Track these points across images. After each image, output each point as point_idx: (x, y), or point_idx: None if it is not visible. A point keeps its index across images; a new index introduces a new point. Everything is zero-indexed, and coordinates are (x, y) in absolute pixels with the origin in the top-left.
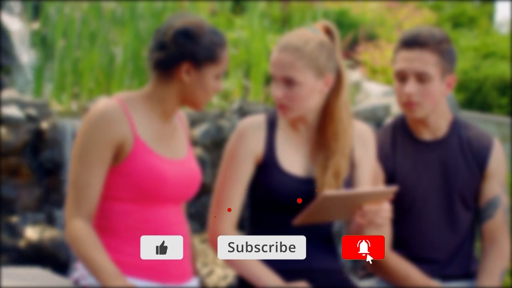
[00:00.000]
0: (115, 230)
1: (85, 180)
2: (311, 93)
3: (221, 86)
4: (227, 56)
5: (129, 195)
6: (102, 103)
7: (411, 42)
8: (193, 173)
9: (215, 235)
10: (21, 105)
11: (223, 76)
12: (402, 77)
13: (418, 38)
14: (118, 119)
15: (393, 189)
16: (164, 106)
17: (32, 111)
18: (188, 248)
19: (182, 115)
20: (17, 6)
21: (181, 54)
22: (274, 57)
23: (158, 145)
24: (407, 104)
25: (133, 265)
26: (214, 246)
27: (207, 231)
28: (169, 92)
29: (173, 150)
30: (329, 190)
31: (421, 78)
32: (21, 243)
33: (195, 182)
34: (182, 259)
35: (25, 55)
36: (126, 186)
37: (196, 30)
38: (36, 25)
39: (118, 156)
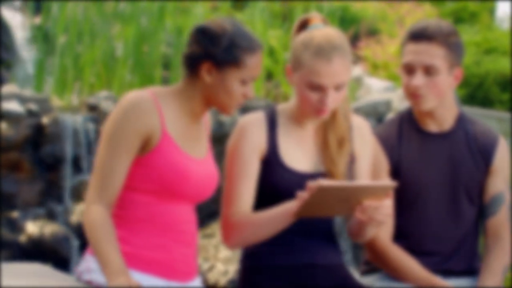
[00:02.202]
0: (128, 221)
1: (111, 166)
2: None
3: (251, 92)
4: (255, 62)
5: (149, 187)
6: (135, 93)
7: (419, 35)
8: (212, 174)
9: (234, 235)
10: (22, 100)
11: (252, 81)
12: (409, 69)
13: (426, 31)
14: (149, 110)
15: (392, 184)
16: (191, 104)
17: (33, 106)
18: (195, 247)
19: (206, 114)
20: (18, 1)
21: (200, 53)
22: (315, 63)
23: (184, 142)
24: (414, 96)
25: (140, 258)
26: (233, 244)
27: (222, 234)
28: (195, 91)
29: (196, 149)
30: (325, 181)
31: (428, 71)
32: (22, 238)
33: (213, 183)
34: (189, 257)
35: (26, 50)
36: (147, 178)
37: (216, 31)
38: (37, 20)
39: (144, 148)
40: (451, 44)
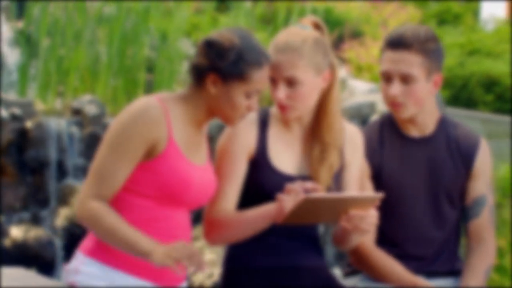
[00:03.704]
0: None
1: (111, 170)
2: (313, 91)
3: (255, 104)
4: (261, 76)
5: (150, 193)
6: (145, 100)
7: (396, 43)
8: (211, 181)
9: (214, 232)
10: (6, 104)
11: (257, 94)
12: (387, 77)
13: (403, 39)
14: (158, 118)
15: (379, 195)
16: (196, 113)
17: (17, 110)
18: None
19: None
20: (1, 5)
21: (207, 65)
22: (271, 59)
23: (187, 149)
24: (393, 104)
25: (131, 260)
26: (214, 241)
27: (204, 230)
28: (200, 100)
29: (198, 156)
30: (313, 193)
31: (406, 79)
32: (6, 243)
33: (212, 190)
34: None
35: (10, 54)
36: (149, 183)
37: (224, 44)
38: (20, 24)
39: (150, 154)
40: (428, 51)
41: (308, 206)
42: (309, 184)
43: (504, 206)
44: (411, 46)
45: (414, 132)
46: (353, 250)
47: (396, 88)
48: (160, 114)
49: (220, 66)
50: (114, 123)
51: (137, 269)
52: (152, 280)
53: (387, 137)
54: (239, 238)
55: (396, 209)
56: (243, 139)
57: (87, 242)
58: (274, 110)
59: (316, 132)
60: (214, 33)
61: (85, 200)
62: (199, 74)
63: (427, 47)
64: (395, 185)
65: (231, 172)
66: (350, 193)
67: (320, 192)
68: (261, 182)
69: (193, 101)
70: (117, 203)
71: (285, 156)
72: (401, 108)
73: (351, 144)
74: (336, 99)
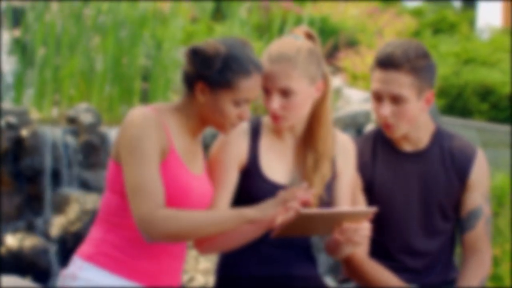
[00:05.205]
0: (122, 228)
1: (148, 180)
2: (306, 101)
3: (247, 113)
4: (249, 85)
5: None
6: (141, 110)
7: (385, 63)
8: (208, 191)
9: (205, 242)
10: (1, 113)
11: (247, 103)
12: (377, 97)
13: (392, 59)
14: (158, 126)
15: (372, 210)
16: (189, 122)
17: (12, 119)
18: (183, 259)
19: None
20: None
21: (194, 73)
22: (265, 69)
23: (186, 159)
24: (384, 124)
25: (129, 265)
26: (205, 251)
27: (195, 240)
28: (192, 109)
29: (196, 165)
30: (306, 208)
31: (396, 100)
32: (1, 251)
33: (209, 199)
34: (175, 269)
35: (6, 63)
36: None
37: (209, 53)
38: (17, 33)
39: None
40: (419, 69)
41: (302, 221)
42: (300, 191)
43: (500, 215)
44: (401, 66)
45: (407, 146)
46: (346, 261)
47: (386, 109)
48: (159, 123)
49: (207, 74)
50: (125, 140)
51: (136, 274)
52: (150, 284)
53: (380, 151)
54: (230, 248)
55: (388, 222)
56: (234, 148)
57: (85, 247)
58: (266, 119)
59: (309, 142)
60: (201, 42)
61: (150, 218)
62: (189, 83)
63: (418, 66)
64: (386, 198)
65: (222, 181)
66: (344, 207)
67: (313, 207)
68: (253, 191)
69: (186, 110)
70: (118, 211)
71: (276, 165)
72: (393, 128)
73: (343, 153)
74: (329, 109)
